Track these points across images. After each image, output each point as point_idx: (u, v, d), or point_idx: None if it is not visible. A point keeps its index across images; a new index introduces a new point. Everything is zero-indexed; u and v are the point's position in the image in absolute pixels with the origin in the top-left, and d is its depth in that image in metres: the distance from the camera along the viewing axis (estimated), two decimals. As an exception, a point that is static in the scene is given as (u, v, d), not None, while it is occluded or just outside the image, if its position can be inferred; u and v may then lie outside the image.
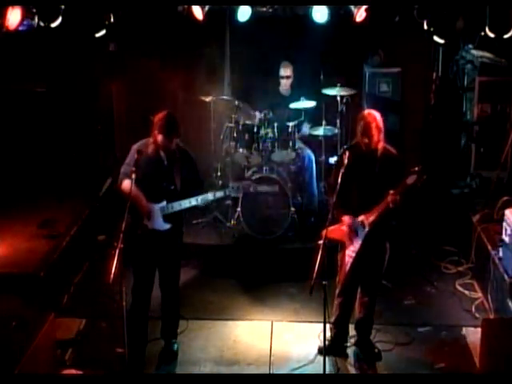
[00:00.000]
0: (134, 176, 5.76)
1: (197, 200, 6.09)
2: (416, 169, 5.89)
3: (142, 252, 6.13)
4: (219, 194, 6.27)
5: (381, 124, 6.03)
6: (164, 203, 6.05)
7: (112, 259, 5.33)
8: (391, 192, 5.86)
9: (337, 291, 6.31)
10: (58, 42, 8.37)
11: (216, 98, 8.66)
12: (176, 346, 6.49)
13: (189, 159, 6.19)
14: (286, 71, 8.73)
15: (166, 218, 6.08)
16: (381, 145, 6.04)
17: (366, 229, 6.01)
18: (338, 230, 6.04)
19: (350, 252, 6.08)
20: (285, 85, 8.77)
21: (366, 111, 6.17)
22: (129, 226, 5.59)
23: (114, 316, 6.21)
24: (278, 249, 8.04)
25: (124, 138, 9.19)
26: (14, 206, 8.16)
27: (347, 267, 6.09)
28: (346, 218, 6.06)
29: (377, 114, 6.07)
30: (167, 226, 6.10)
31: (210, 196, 6.18)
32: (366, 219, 6.00)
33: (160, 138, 5.96)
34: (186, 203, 6.08)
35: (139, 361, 6.23)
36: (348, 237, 6.07)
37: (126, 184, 5.95)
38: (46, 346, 5.79)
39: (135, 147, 6.07)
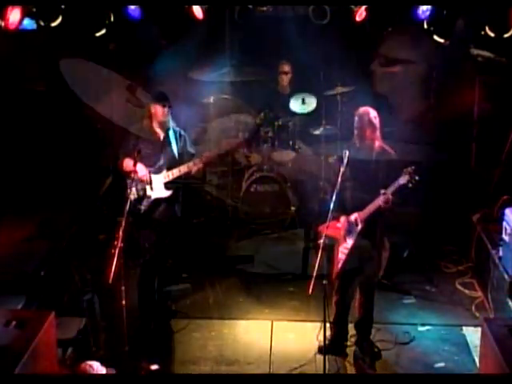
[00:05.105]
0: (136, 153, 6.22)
1: (194, 163, 6.57)
2: (409, 169, 5.88)
3: (146, 225, 6.61)
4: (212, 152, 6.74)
5: (375, 121, 6.04)
6: (164, 172, 6.55)
7: (112, 259, 5.33)
8: (383, 191, 5.87)
9: (334, 289, 6.32)
10: (58, 42, 8.36)
11: (216, 98, 8.66)
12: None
13: (180, 132, 6.72)
14: (284, 67, 8.74)
15: (167, 185, 6.56)
16: (376, 143, 6.05)
17: (359, 227, 6.02)
18: (333, 227, 6.05)
19: (343, 249, 6.10)
20: (284, 81, 8.76)
21: (362, 108, 6.16)
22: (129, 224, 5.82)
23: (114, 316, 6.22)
24: (278, 249, 8.03)
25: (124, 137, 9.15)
26: (14, 206, 8.15)
27: (339, 265, 6.11)
28: (341, 217, 6.09)
29: (371, 111, 6.08)
30: (168, 193, 6.58)
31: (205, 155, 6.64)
32: (358, 217, 6.02)
33: (154, 108, 6.52)
34: (185, 168, 6.57)
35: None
36: (342, 235, 6.09)
37: (127, 161, 6.48)
38: (46, 346, 5.78)
39: (131, 128, 6.69)
